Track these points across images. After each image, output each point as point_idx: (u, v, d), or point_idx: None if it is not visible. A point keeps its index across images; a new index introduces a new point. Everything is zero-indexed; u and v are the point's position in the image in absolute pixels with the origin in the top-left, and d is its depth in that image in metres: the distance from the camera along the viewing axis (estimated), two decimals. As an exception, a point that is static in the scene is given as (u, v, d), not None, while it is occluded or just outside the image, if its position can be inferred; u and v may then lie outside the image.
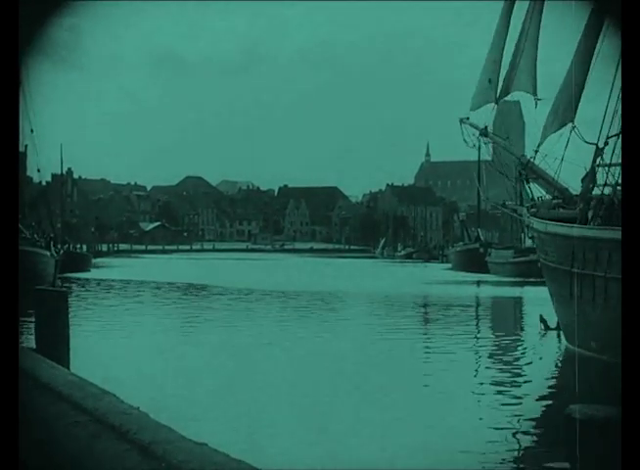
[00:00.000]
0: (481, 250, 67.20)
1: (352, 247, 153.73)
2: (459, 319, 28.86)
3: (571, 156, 22.24)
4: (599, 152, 20.63)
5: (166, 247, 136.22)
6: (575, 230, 20.55)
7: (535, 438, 11.79)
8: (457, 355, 19.79)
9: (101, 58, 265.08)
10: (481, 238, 74.67)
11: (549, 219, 22.38)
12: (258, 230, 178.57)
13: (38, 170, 46.59)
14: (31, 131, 40.92)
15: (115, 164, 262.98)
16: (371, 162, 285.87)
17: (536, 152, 24.23)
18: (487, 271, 59.73)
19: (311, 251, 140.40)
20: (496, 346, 22.29)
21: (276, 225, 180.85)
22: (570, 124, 22.32)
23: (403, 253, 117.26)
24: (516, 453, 11.03)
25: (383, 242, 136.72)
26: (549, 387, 16.14)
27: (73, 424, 5.14)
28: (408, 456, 10.84)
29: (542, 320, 23.72)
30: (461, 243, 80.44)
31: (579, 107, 22.53)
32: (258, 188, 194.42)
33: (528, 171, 24.05)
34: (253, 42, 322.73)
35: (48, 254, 40.74)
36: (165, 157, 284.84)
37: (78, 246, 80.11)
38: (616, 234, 18.08)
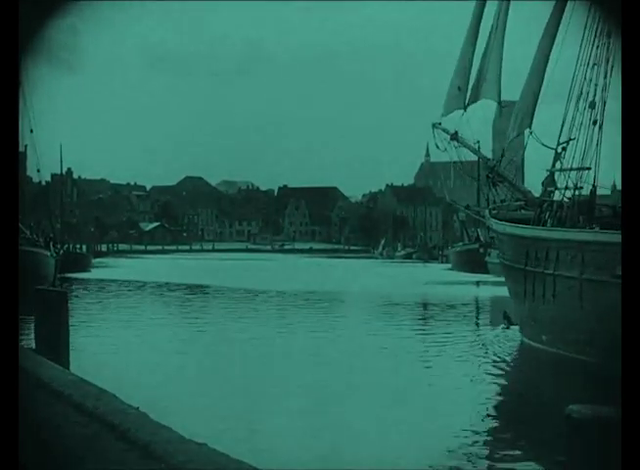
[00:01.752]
0: (481, 250, 66.99)
1: (352, 247, 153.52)
2: (457, 319, 28.91)
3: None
4: (557, 156, 21.71)
5: (166, 247, 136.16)
6: (528, 231, 21.81)
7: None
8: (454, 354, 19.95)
9: (100, 58, 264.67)
10: (481, 238, 74.50)
11: (510, 220, 23.39)
12: (258, 230, 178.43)
13: (38, 170, 46.53)
14: (31, 131, 40.91)
15: (115, 164, 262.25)
16: (371, 162, 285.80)
17: (502, 156, 25.35)
18: (487, 271, 59.64)
19: (311, 251, 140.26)
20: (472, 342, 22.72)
21: (276, 225, 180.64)
22: (527, 130, 23.66)
23: (403, 253, 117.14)
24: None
25: (383, 242, 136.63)
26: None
27: (73, 424, 5.15)
28: (406, 455, 10.88)
29: (506, 316, 24.69)
30: (461, 243, 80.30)
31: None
32: (258, 188, 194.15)
33: (495, 175, 25.04)
34: (253, 42, 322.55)
35: (48, 254, 40.71)
36: (165, 157, 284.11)
37: (78, 246, 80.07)
38: (563, 234, 20.05)
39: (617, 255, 17.85)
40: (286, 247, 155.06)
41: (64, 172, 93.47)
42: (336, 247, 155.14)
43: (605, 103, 20.36)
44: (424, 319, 30.63)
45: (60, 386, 6.03)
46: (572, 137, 20.99)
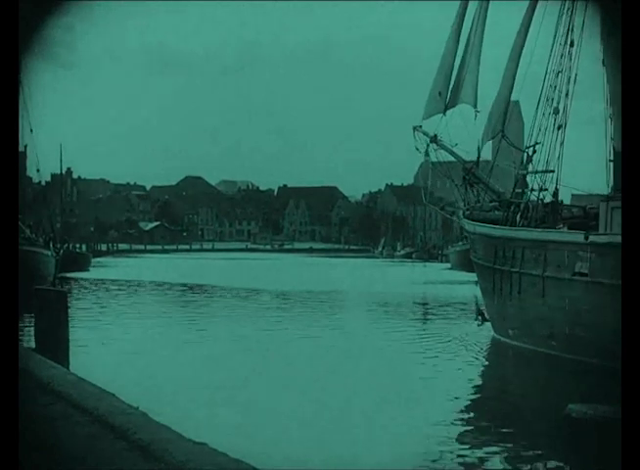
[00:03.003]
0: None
1: (352, 247, 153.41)
2: (453, 317, 28.97)
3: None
4: (529, 159, 23.07)
5: (166, 246, 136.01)
6: (496, 231, 23.25)
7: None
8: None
9: (99, 57, 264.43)
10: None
11: (484, 221, 24.58)
12: (258, 230, 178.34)
13: (38, 170, 46.47)
14: (31, 131, 40.89)
15: (115, 163, 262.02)
16: (371, 162, 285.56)
17: (478, 158, 26.60)
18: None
19: (310, 251, 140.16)
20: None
21: (275, 225, 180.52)
22: (500, 134, 25.07)
23: (403, 252, 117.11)
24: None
25: (382, 242, 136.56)
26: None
27: (73, 424, 5.15)
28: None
29: (480, 313, 25.57)
30: (460, 243, 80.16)
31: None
32: (258, 188, 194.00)
33: (471, 176, 26.26)
34: (252, 40, 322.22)
35: (49, 253, 40.69)
36: (165, 156, 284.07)
37: (77, 245, 79.99)
38: (527, 234, 21.56)
39: (577, 253, 19.07)
40: (286, 246, 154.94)
41: (63, 172, 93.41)
42: (335, 246, 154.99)
43: (567, 109, 22.09)
44: (418, 318, 30.91)
45: (59, 385, 6.03)
46: (538, 141, 22.53)
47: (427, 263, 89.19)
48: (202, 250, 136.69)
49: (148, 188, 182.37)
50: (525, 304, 21.13)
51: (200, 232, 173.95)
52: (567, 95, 21.89)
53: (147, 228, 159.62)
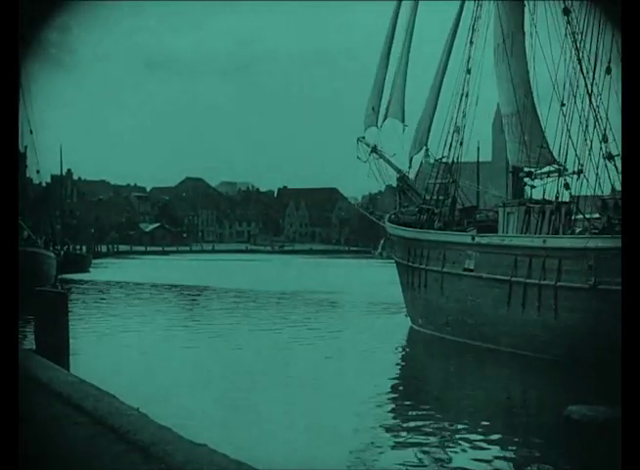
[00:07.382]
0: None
1: (352, 248, 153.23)
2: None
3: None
4: (447, 168, 26.32)
5: (166, 248, 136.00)
6: (409, 233, 26.72)
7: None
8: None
9: (100, 58, 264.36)
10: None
11: (409, 224, 27.53)
12: (258, 231, 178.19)
13: (38, 172, 46.53)
14: (31, 132, 40.92)
15: (115, 165, 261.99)
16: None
17: (410, 167, 30.25)
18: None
19: (311, 252, 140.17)
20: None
21: (275, 226, 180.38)
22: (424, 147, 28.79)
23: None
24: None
25: (382, 242, 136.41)
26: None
27: (73, 425, 5.15)
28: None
29: None
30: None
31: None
32: (258, 189, 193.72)
33: (403, 184, 29.99)
34: (251, 42, 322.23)
35: (52, 254, 40.74)
36: (165, 158, 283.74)
37: (78, 247, 79.90)
38: (430, 236, 24.88)
39: (466, 252, 22.00)
40: (286, 248, 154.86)
41: (63, 173, 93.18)
42: (336, 248, 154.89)
43: (463, 128, 25.41)
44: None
45: (59, 386, 6.03)
46: (444, 155, 26.08)
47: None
48: (202, 251, 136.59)
49: (148, 189, 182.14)
50: (430, 296, 24.41)
51: (200, 233, 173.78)
52: (464, 116, 25.27)
53: (147, 229, 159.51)
